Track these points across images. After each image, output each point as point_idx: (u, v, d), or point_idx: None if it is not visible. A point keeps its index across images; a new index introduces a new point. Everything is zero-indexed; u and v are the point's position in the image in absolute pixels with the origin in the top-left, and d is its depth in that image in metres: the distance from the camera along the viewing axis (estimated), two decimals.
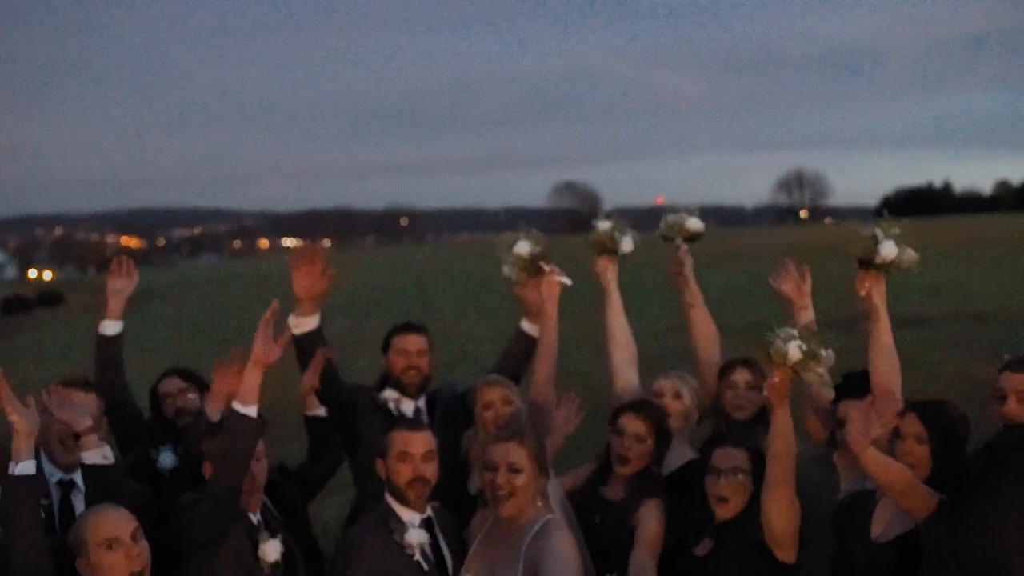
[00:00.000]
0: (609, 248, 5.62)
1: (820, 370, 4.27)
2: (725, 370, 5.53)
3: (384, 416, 5.59)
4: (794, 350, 4.21)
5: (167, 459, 5.17)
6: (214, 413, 4.87)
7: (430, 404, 5.80)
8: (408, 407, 5.71)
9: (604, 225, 5.61)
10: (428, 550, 4.52)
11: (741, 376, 5.45)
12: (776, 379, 4.26)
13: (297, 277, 5.39)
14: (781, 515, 4.45)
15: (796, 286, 5.31)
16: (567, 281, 5.54)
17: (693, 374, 5.58)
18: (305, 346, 5.45)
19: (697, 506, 4.76)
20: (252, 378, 4.34)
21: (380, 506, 4.61)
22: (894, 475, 4.32)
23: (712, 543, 4.69)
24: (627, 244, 5.59)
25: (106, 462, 4.58)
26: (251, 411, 4.33)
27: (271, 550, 4.47)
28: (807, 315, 5.28)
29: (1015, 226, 54.37)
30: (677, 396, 5.36)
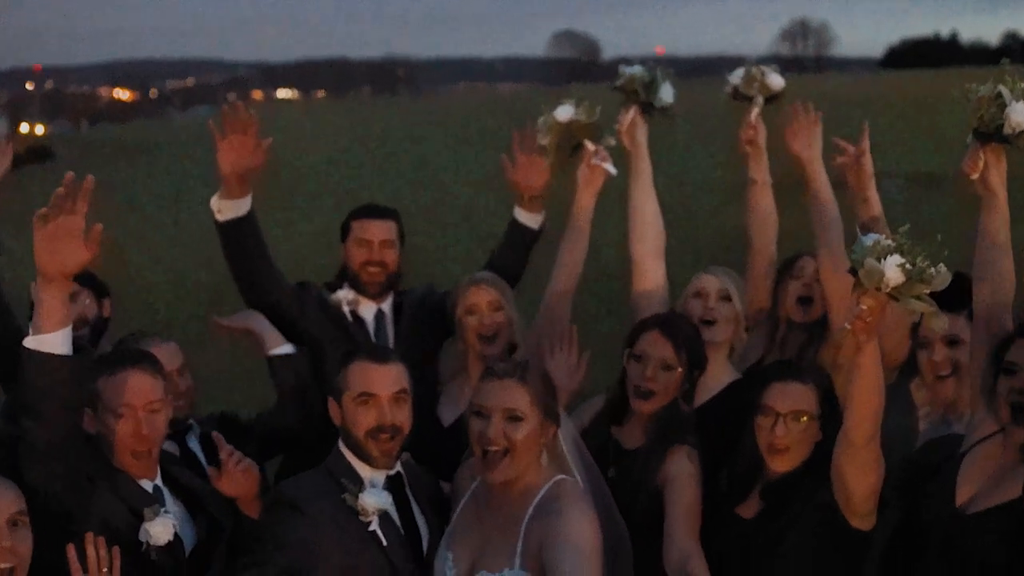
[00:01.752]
0: (641, 99, 4.50)
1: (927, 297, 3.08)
2: (787, 263, 4.49)
3: (336, 324, 4.51)
4: (894, 271, 3.04)
5: None
6: None
7: (397, 309, 4.65)
8: (368, 311, 4.57)
9: (636, 69, 4.50)
10: (395, 517, 3.44)
11: (810, 265, 4.41)
12: (865, 307, 3.12)
13: (223, 149, 4.22)
14: (864, 477, 3.40)
15: (807, 138, 4.31)
16: (612, 170, 4.40)
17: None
18: (232, 238, 4.33)
19: (740, 447, 3.72)
20: (49, 297, 3.12)
21: (331, 457, 3.52)
22: None
23: (761, 503, 3.65)
24: (667, 93, 4.50)
25: None
26: (47, 343, 3.10)
27: (159, 530, 3.36)
28: (873, 208, 4.21)
29: None
30: (725, 298, 4.24)
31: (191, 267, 14.08)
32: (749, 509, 3.69)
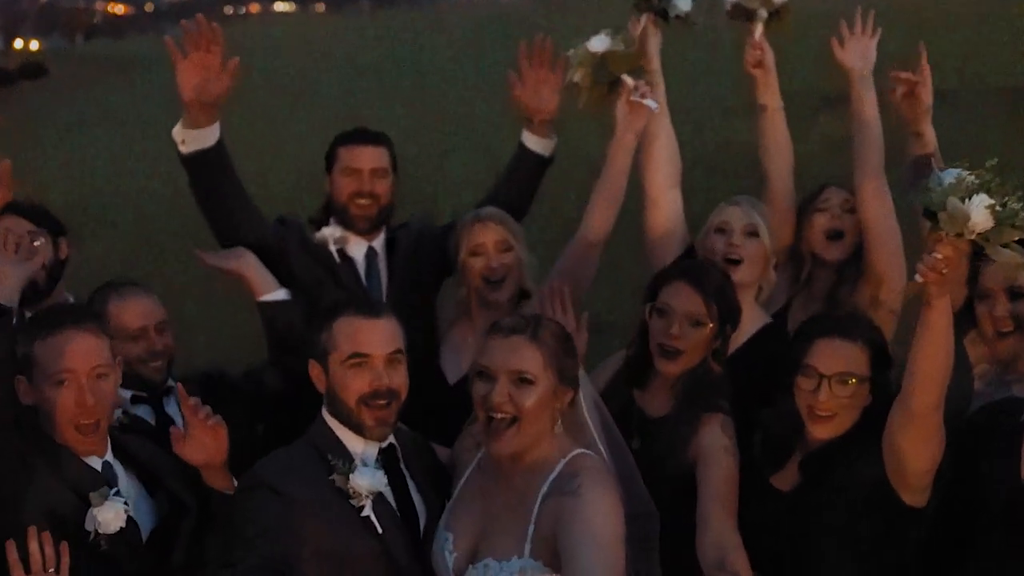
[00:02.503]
0: (655, 5, 3.97)
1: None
2: (811, 195, 4.01)
3: (322, 265, 4.01)
4: (982, 213, 2.56)
5: None
6: None
7: (390, 246, 4.14)
8: (357, 249, 4.07)
9: None
10: (389, 498, 2.99)
11: (836, 196, 3.94)
12: (942, 256, 2.66)
13: (183, 71, 3.70)
14: (924, 450, 2.98)
15: (862, 52, 3.84)
16: (654, 105, 3.84)
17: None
18: (199, 173, 3.82)
19: (776, 410, 3.26)
20: None
21: (314, 428, 3.06)
22: None
23: (800, 475, 3.21)
24: (683, 1, 3.94)
25: None
26: None
27: (109, 516, 2.90)
28: (928, 144, 3.77)
29: None
30: (752, 233, 3.75)
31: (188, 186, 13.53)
32: (786, 480, 3.25)
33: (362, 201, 4.02)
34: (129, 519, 2.95)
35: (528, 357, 2.88)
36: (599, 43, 3.85)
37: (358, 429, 2.99)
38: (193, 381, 3.74)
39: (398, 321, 3.08)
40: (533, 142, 4.20)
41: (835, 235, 3.96)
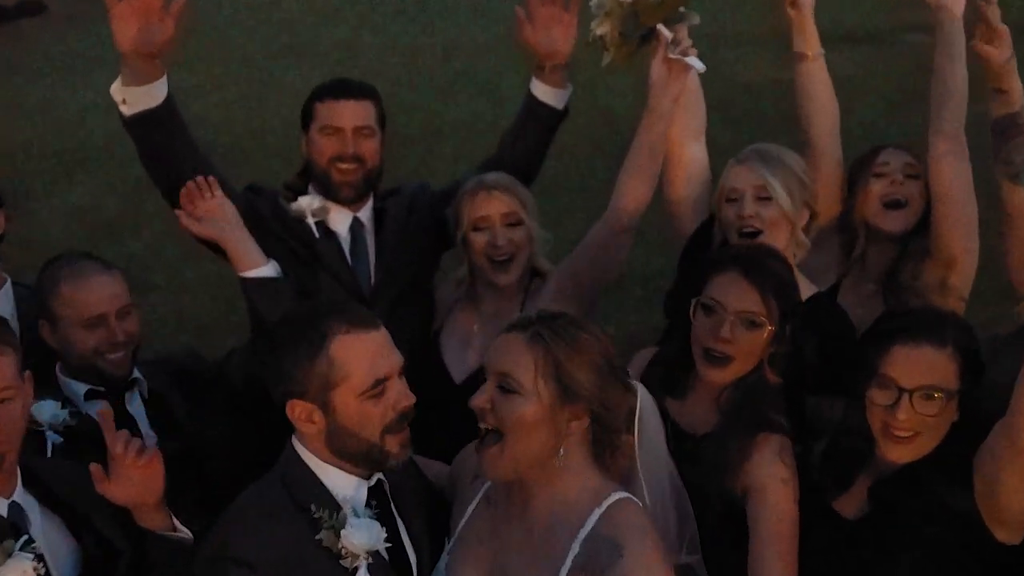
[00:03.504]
0: None
1: None
2: (865, 157, 3.45)
3: (300, 241, 3.41)
4: None
5: None
6: None
7: (378, 217, 3.55)
8: (340, 222, 3.48)
9: None
10: (383, 551, 2.40)
11: (896, 159, 3.40)
12: None
13: (117, 16, 3.11)
14: None
15: None
16: (699, 66, 3.14)
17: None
18: (146, 137, 3.24)
19: (844, 422, 2.74)
20: None
21: (287, 465, 2.46)
22: None
23: (869, 504, 2.65)
24: None
25: None
26: None
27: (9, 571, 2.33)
28: (1014, 101, 3.19)
29: None
30: (764, 197, 3.18)
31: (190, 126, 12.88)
32: (850, 504, 2.71)
33: (345, 166, 3.43)
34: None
35: (517, 360, 2.33)
36: None
37: (374, 462, 2.42)
38: (160, 370, 3.24)
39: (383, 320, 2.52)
40: (543, 91, 3.59)
41: (895, 204, 3.41)
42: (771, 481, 2.67)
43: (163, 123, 3.20)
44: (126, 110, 3.19)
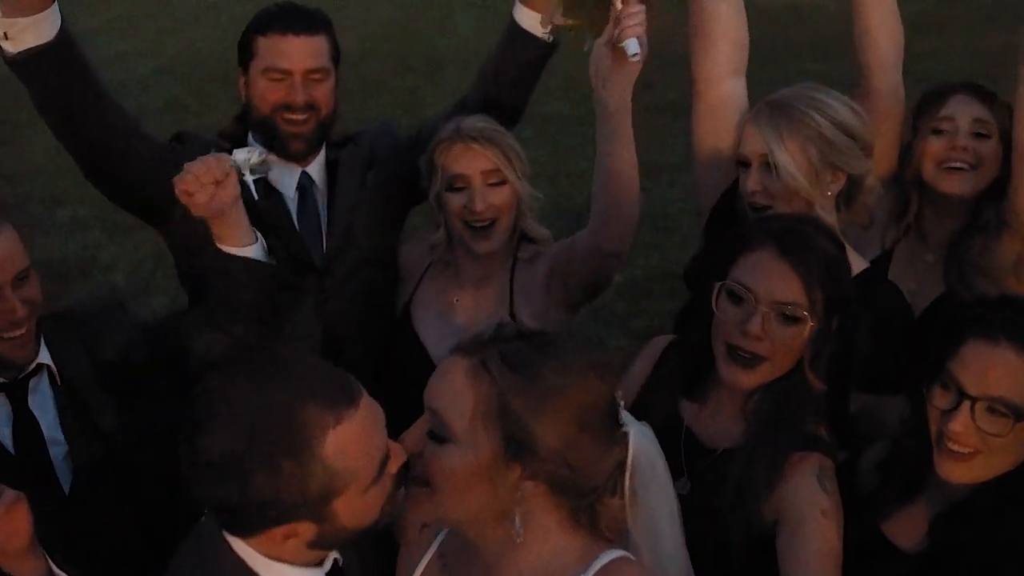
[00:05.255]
0: None
1: None
2: (928, 102, 2.87)
3: None
4: None
5: None
6: None
7: (331, 171, 2.97)
8: (286, 180, 2.90)
9: None
10: None
11: (965, 112, 2.79)
12: None
13: None
14: None
15: None
16: (632, 49, 2.41)
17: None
18: (37, 80, 2.60)
19: (902, 433, 2.19)
20: None
21: (218, 564, 1.79)
22: None
23: (929, 539, 2.13)
24: None
25: None
26: None
27: None
28: None
29: None
30: (767, 164, 2.57)
31: (182, 50, 12.20)
32: (905, 532, 2.17)
33: (294, 116, 2.85)
34: None
35: (453, 397, 1.74)
36: None
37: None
38: (73, 340, 2.58)
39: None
40: (527, 18, 2.98)
41: (955, 168, 2.84)
42: (810, 512, 2.11)
43: (60, 63, 2.58)
44: (9, 47, 2.56)
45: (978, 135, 2.82)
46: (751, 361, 2.21)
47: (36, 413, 2.50)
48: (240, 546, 1.76)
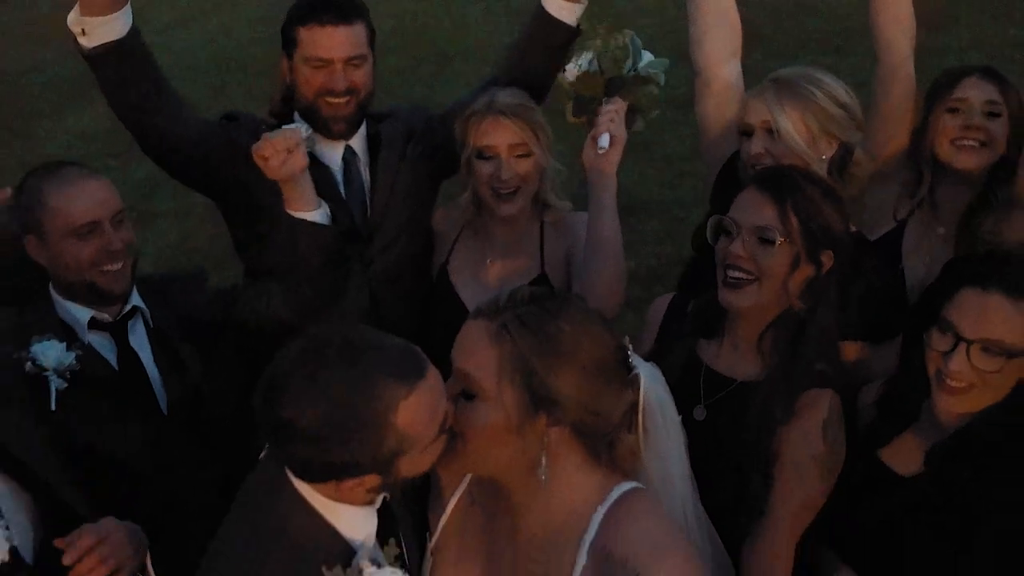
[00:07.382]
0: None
1: None
2: (942, 84, 3.11)
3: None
4: None
5: None
6: None
7: (373, 143, 3.23)
8: (331, 153, 3.16)
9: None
10: None
11: (978, 93, 3.02)
12: None
13: None
14: None
15: None
16: (603, 143, 2.83)
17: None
18: (109, 71, 2.91)
19: (901, 366, 2.49)
20: None
21: (288, 518, 1.97)
22: None
23: (925, 466, 2.39)
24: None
25: None
26: None
27: None
28: None
29: None
30: (770, 130, 2.87)
31: (199, 43, 12.25)
32: (902, 460, 2.43)
33: (335, 100, 3.10)
34: (12, 549, 2.11)
35: (479, 358, 1.95)
36: (573, 70, 2.92)
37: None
38: (160, 299, 2.88)
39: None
40: (557, 6, 3.18)
41: (968, 145, 3.05)
42: (806, 461, 2.37)
43: (127, 57, 2.87)
44: (85, 42, 2.85)
45: (990, 115, 3.02)
46: (738, 283, 2.46)
47: (136, 349, 2.80)
48: (303, 486, 1.98)
